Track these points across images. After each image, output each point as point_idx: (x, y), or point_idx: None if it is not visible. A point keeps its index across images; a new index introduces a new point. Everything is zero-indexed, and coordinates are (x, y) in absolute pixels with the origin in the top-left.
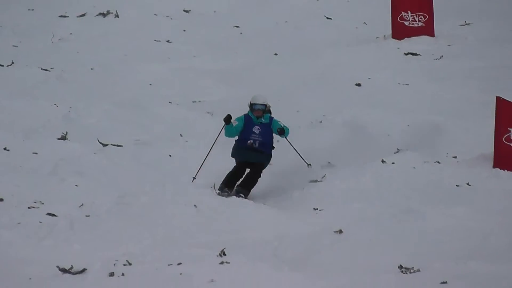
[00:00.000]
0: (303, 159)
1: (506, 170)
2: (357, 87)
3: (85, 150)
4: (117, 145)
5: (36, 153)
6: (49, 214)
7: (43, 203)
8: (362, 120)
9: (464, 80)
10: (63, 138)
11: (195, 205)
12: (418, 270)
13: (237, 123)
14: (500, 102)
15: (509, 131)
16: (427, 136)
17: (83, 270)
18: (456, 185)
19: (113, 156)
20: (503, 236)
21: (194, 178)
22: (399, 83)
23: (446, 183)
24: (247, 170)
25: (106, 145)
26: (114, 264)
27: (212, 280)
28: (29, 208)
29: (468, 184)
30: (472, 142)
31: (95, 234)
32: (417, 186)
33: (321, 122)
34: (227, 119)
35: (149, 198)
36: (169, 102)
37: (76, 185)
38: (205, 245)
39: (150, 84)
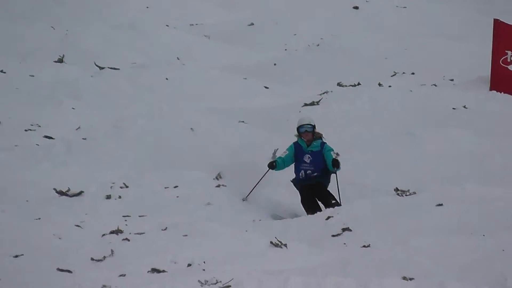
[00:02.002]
0: (339, 198)
1: (502, 93)
2: (355, 10)
3: (82, 73)
4: (114, 68)
5: (33, 76)
6: (46, 136)
7: (40, 126)
8: (359, 44)
9: (463, 2)
10: (60, 61)
11: (191, 129)
12: (414, 193)
13: (287, 152)
14: (498, 24)
15: (507, 54)
16: (424, 59)
17: (80, 193)
18: (453, 108)
19: (110, 79)
20: (499, 159)
21: (245, 199)
22: (397, 6)
23: (443, 106)
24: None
25: (103, 68)
26: (111, 187)
27: (208, 203)
28: (26, 130)
29: (464, 106)
30: (469, 64)
31: (92, 157)
32: (414, 109)
33: (318, 45)
34: (271, 166)
35: (146, 122)
36: (166, 25)
37: (73, 108)
38: (201, 168)
39: (147, 7)
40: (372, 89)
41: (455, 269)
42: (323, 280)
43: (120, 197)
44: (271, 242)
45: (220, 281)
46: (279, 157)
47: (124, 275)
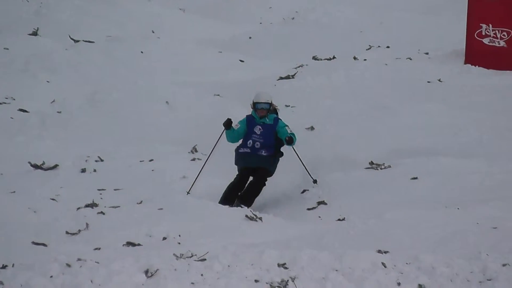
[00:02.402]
0: (309, 174)
1: (477, 66)
2: None
3: (56, 46)
4: (89, 41)
5: (7, 49)
6: (20, 110)
7: (14, 99)
8: (334, 17)
9: None
10: (34, 33)
11: (167, 102)
12: (389, 166)
13: (239, 126)
14: None
15: (481, 27)
16: (399, 33)
17: (55, 166)
18: (428, 81)
19: (84, 52)
20: (473, 132)
21: (188, 192)
22: None
23: (418, 79)
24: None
25: (78, 41)
26: (86, 160)
27: (184, 177)
28: (0, 104)
29: (439, 80)
30: (444, 38)
31: (67, 130)
32: (389, 82)
33: (293, 19)
34: (227, 124)
35: (121, 95)
36: None
37: (48, 81)
38: (177, 142)
39: None
40: (347, 62)
41: (430, 242)
42: (299, 253)
43: (95, 170)
44: (246, 216)
45: (195, 254)
46: (232, 128)
47: (99, 249)
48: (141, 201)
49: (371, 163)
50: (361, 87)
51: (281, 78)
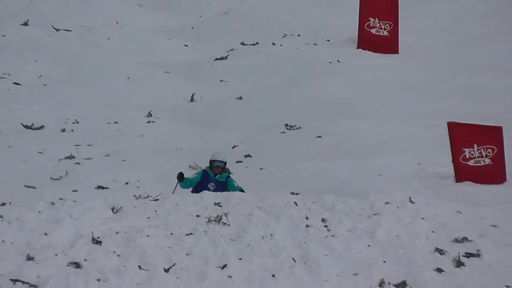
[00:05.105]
0: None
1: (367, 50)
2: None
3: (42, 34)
4: (68, 30)
5: (4, 36)
6: (15, 83)
7: (10, 74)
8: (258, 11)
9: None
10: (25, 24)
11: (128, 77)
12: (300, 127)
13: (195, 175)
14: None
15: (369, 20)
16: (308, 24)
17: (42, 127)
18: (329, 62)
19: (64, 38)
20: (365, 100)
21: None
22: None
23: (322, 60)
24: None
25: (59, 30)
26: (65, 122)
27: (141, 135)
28: None
29: (338, 61)
30: (341, 28)
31: (51, 98)
32: (300, 63)
33: (226, 13)
34: (180, 177)
35: (92, 72)
36: None
37: (36, 61)
38: (136, 108)
39: None
40: (268, 47)
41: (331, 186)
42: (230, 195)
43: (72, 130)
44: (190, 166)
45: (151, 196)
46: (187, 177)
47: (76, 191)
48: (108, 154)
49: (286, 125)
50: (278, 66)
51: (217, 59)
